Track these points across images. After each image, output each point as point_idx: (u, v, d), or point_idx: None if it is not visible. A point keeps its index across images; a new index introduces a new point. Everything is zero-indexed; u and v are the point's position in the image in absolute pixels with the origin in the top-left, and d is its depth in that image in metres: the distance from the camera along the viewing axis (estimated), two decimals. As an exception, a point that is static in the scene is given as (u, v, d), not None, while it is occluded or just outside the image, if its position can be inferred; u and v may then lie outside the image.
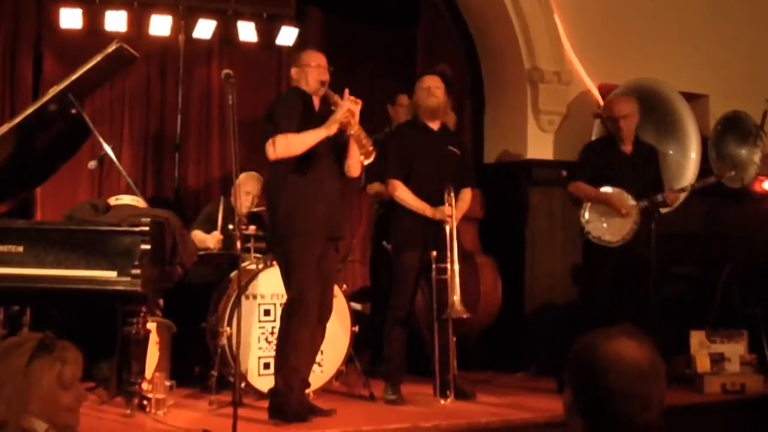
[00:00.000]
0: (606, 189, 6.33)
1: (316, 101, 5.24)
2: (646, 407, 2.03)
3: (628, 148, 6.47)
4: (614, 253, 6.27)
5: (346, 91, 5.12)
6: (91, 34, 7.22)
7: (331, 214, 5.19)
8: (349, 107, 5.06)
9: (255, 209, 6.56)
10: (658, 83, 7.40)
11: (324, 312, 5.24)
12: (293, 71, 5.29)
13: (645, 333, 2.13)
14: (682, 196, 6.55)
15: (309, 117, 5.14)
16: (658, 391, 2.05)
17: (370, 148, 5.20)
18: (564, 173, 7.24)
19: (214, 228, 6.48)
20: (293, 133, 5.02)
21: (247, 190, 6.59)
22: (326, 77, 5.20)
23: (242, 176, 6.47)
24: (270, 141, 4.99)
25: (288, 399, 5.05)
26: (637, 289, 6.32)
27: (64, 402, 2.69)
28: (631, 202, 6.27)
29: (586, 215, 6.35)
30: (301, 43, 7.26)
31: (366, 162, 5.25)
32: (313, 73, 5.19)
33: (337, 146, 5.22)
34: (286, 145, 5.01)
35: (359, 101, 5.12)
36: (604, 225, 6.30)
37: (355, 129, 5.13)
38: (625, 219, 6.26)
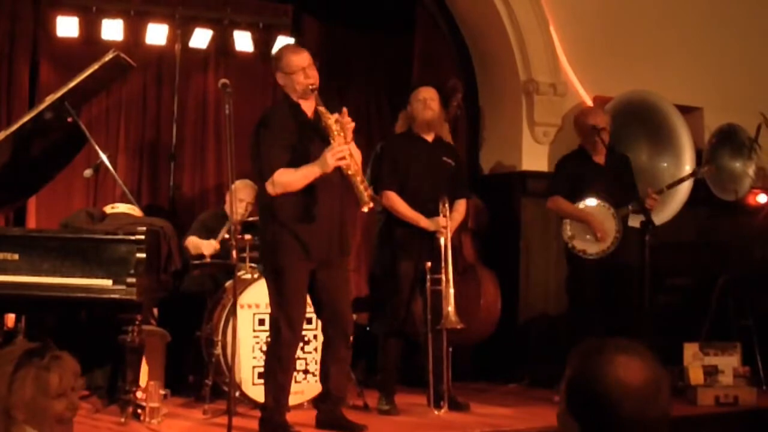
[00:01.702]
0: (588, 202, 6.38)
1: (308, 106, 5.05)
2: (656, 430, 1.99)
3: (600, 159, 6.52)
4: (598, 263, 6.31)
5: (344, 111, 4.90)
6: (87, 42, 7.23)
7: (331, 230, 5.03)
8: (342, 151, 4.80)
9: (249, 218, 6.55)
10: (652, 96, 7.43)
11: (338, 324, 5.13)
12: (278, 76, 5.08)
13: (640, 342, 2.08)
14: (658, 198, 6.52)
15: (303, 128, 5.00)
16: (665, 402, 2.00)
17: (366, 198, 4.82)
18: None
19: (210, 235, 6.49)
20: (290, 170, 4.86)
21: (240, 197, 6.58)
22: (314, 80, 4.98)
23: (236, 183, 6.42)
24: (269, 181, 4.86)
25: (274, 415, 5.00)
26: (624, 297, 6.35)
27: (53, 411, 2.67)
28: (611, 218, 6.31)
29: (568, 231, 6.37)
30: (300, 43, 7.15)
31: (364, 210, 4.90)
32: (299, 78, 4.98)
33: None
34: (284, 185, 4.86)
35: (352, 123, 4.90)
36: (587, 237, 6.33)
37: (351, 170, 4.88)
38: (605, 230, 6.29)
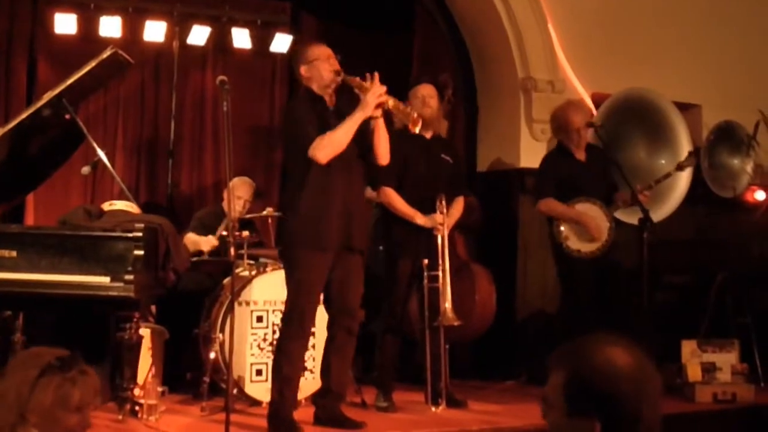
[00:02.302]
0: (579, 206, 6.37)
1: (328, 97, 5.10)
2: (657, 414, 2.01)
3: (581, 155, 6.52)
4: (593, 262, 6.31)
5: (376, 75, 4.97)
6: (85, 39, 7.22)
7: (347, 225, 5.03)
8: (380, 90, 4.91)
9: (247, 215, 6.56)
10: (650, 93, 7.42)
11: (345, 320, 5.16)
12: (303, 69, 5.11)
13: (630, 339, 2.08)
14: (649, 193, 6.51)
15: (325, 117, 5.02)
16: (657, 391, 2.02)
17: (415, 115, 5.08)
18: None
19: (208, 233, 6.49)
20: (330, 132, 4.92)
21: (238, 194, 6.58)
22: (338, 66, 5.07)
23: (234, 180, 6.44)
24: (312, 146, 4.87)
25: (280, 410, 5.00)
26: (619, 295, 6.35)
27: (66, 424, 2.67)
28: (604, 217, 6.31)
29: (563, 231, 6.36)
30: (300, 40, 7.16)
31: (416, 129, 5.11)
32: (324, 65, 5.05)
33: (361, 142, 5.07)
34: (330, 144, 4.89)
35: (384, 87, 4.97)
36: (581, 237, 6.32)
37: (391, 103, 5.01)
38: (600, 229, 6.29)
